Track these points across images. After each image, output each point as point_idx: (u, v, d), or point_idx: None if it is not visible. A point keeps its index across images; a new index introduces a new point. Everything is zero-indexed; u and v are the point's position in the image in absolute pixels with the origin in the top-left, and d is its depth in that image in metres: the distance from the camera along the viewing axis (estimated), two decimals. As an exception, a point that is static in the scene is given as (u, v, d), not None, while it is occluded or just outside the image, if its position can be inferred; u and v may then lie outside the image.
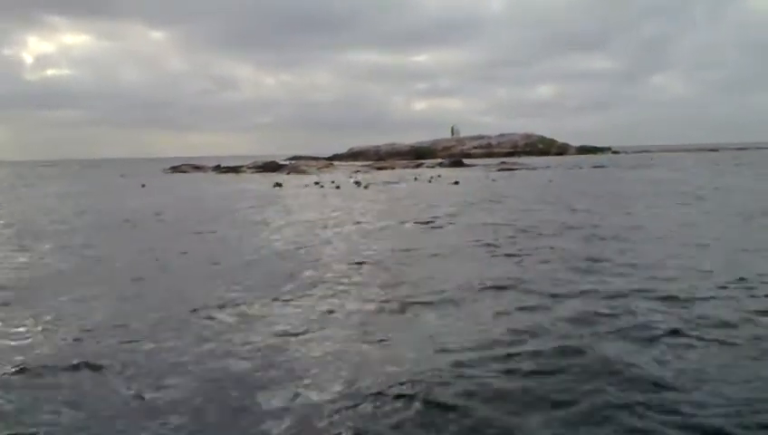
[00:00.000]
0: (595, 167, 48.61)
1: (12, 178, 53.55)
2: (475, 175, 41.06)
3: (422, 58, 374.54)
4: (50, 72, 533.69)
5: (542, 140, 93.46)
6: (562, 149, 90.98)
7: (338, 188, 30.98)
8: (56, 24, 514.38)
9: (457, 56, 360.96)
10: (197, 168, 57.70)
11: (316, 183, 33.54)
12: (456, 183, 31.77)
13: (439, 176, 38.67)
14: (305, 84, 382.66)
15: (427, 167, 55.32)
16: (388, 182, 34.54)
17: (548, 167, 51.90)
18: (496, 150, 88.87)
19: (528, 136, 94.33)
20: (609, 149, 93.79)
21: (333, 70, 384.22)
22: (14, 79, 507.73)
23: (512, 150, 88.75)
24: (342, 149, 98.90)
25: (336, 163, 60.61)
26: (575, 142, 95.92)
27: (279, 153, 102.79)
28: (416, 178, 36.55)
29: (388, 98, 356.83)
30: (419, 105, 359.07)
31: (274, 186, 33.57)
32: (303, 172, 50.31)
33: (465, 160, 65.99)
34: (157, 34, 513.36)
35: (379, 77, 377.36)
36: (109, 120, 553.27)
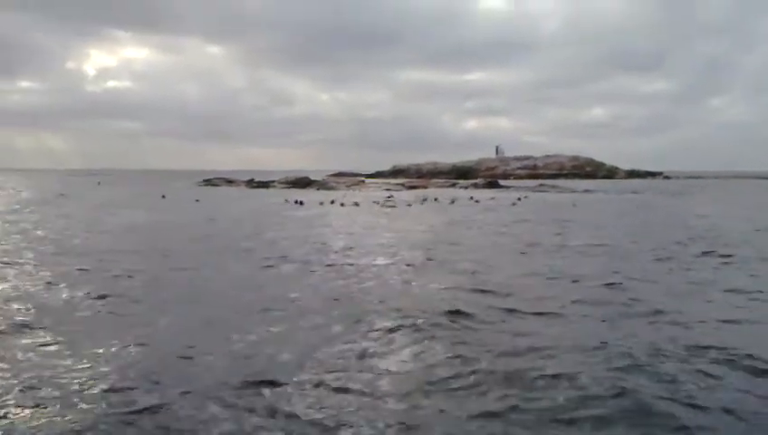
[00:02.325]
0: (634, 193, 46.22)
1: (53, 190, 54.62)
2: (503, 196, 39.42)
3: (474, 77, 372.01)
4: (111, 83, 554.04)
5: (590, 162, 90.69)
6: (611, 173, 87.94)
7: (356, 205, 30.21)
8: (117, 37, 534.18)
9: (509, 75, 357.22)
10: (230, 181, 57.86)
11: (332, 202, 32.65)
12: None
13: (471, 198, 37.15)
14: (359, 101, 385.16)
15: (461, 187, 53.89)
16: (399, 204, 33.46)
17: (586, 191, 49.82)
18: (542, 172, 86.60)
19: (575, 158, 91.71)
20: (660, 173, 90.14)
21: (387, 87, 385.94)
22: (77, 91, 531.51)
23: (557, 172, 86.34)
24: (390, 167, 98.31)
25: (369, 181, 59.83)
26: (629, 166, 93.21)
27: (329, 169, 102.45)
28: (436, 199, 35.16)
29: (438, 116, 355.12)
30: (469, 124, 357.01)
31: (295, 202, 32.77)
32: (332, 189, 49.73)
33: (507, 182, 64.37)
34: (214, 49, 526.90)
35: (431, 95, 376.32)
36: (167, 132, 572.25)
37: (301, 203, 31.56)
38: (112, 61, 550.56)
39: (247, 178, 61.83)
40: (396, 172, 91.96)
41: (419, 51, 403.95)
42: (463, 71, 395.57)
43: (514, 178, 77.99)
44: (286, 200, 33.64)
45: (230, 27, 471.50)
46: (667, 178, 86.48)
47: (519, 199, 36.35)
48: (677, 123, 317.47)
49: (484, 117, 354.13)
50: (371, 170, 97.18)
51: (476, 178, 74.93)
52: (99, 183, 65.86)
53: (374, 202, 33.16)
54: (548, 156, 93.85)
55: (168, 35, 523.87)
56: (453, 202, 33.33)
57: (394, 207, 30.53)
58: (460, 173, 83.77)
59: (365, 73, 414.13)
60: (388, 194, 40.80)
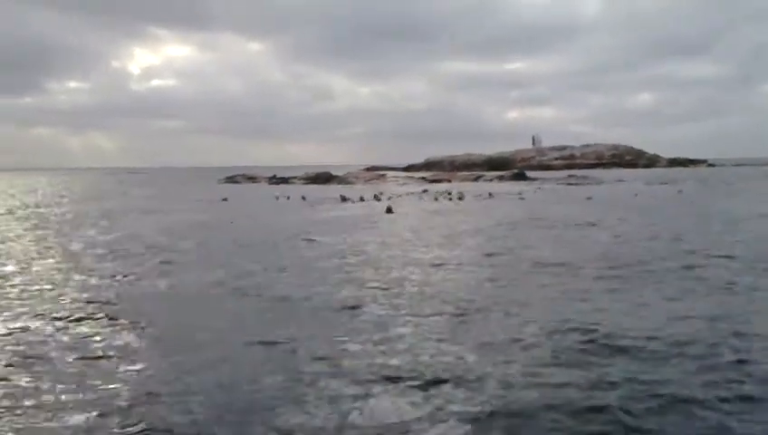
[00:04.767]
0: (662, 184, 43.52)
1: (77, 191, 55.49)
2: (522, 189, 37.81)
3: (515, 66, 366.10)
4: (155, 82, 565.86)
5: (630, 151, 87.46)
6: (652, 161, 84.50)
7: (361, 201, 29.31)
8: (160, 36, 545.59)
9: (551, 63, 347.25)
10: (251, 178, 57.72)
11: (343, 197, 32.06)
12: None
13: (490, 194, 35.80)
14: (399, 94, 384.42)
15: (485, 180, 52.13)
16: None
17: (619, 181, 47.78)
18: (579, 162, 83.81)
19: (614, 147, 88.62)
20: (704, 161, 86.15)
21: (427, 79, 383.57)
22: (123, 89, 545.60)
23: (596, 162, 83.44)
24: (423, 160, 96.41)
25: (393, 175, 58.43)
26: (675, 153, 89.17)
27: (369, 162, 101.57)
28: (451, 196, 33.90)
29: (480, 107, 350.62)
30: (512, 114, 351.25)
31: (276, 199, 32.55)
32: (351, 184, 48.91)
33: (535, 173, 62.25)
34: (254, 45, 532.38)
35: (473, 86, 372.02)
36: (209, 130, 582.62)
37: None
38: (156, 59, 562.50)
39: (279, 174, 61.65)
40: (429, 165, 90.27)
41: (459, 41, 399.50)
42: (504, 60, 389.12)
43: (552, 169, 75.52)
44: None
45: (269, 23, 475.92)
46: (711, 165, 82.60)
47: (535, 191, 34.87)
48: (726, 109, 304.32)
49: (527, 107, 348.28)
50: (410, 163, 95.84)
51: (512, 169, 72.52)
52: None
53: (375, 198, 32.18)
54: (586, 145, 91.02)
55: (208, 33, 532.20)
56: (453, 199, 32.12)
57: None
58: (495, 165, 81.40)
59: (405, 66, 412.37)
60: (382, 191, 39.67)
